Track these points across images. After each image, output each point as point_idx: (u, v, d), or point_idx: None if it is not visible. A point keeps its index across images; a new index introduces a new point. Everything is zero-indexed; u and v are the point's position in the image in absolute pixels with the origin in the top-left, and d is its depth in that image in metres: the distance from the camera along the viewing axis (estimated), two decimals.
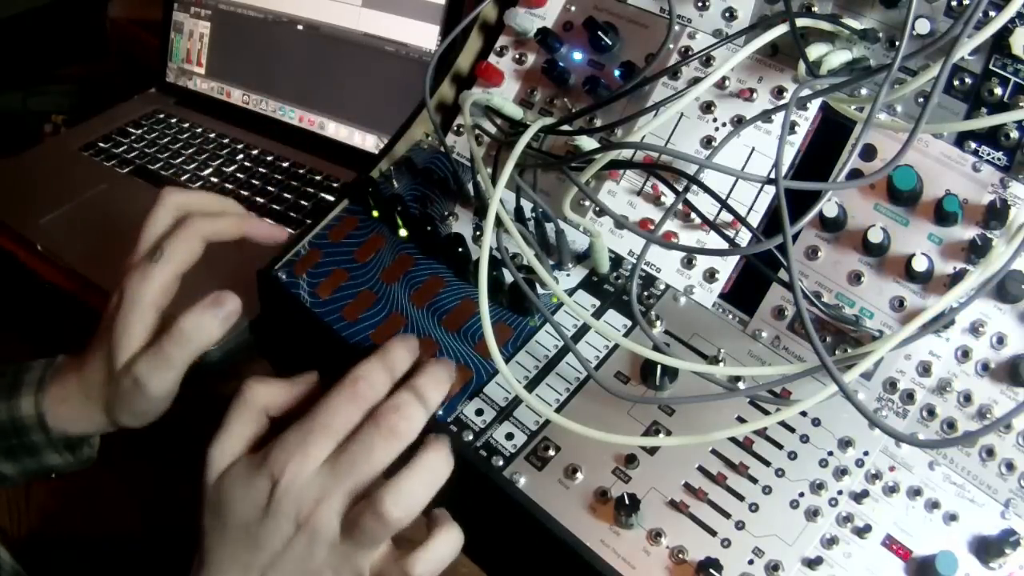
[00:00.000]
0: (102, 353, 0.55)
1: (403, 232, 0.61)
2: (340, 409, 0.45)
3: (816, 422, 0.49)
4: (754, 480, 0.48)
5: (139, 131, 1.04)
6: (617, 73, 0.60)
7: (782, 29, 0.52)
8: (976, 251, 0.48)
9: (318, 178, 0.92)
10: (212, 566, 0.45)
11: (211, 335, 0.53)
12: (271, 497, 0.43)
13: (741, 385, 0.51)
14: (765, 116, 0.55)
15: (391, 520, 0.43)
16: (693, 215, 0.55)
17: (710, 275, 0.56)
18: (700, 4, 0.60)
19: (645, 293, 0.57)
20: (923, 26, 0.51)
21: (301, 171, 0.93)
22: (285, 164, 0.95)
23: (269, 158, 0.96)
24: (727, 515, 0.47)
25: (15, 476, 0.59)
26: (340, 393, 0.46)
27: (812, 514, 0.46)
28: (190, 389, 0.57)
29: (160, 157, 1.00)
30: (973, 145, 0.50)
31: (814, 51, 0.53)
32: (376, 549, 0.45)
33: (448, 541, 0.46)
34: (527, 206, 0.59)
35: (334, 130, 0.98)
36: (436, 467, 0.45)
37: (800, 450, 0.49)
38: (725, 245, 0.53)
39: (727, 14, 0.59)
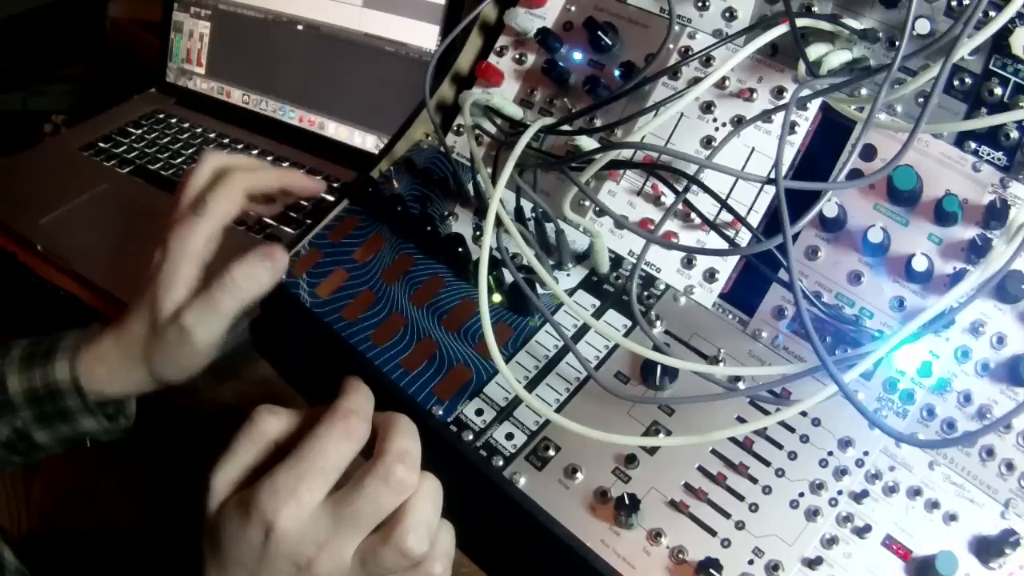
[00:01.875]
0: (145, 308, 0.55)
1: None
2: (331, 448, 0.43)
3: (816, 422, 0.49)
4: (754, 480, 0.48)
5: (139, 131, 1.04)
6: (617, 73, 0.60)
7: (782, 29, 0.52)
8: (976, 251, 0.48)
9: (318, 178, 0.92)
10: None
11: (261, 285, 0.54)
12: (266, 542, 0.41)
13: (741, 385, 0.51)
14: (765, 116, 0.55)
15: (417, 554, 0.42)
16: (693, 215, 0.55)
17: (710, 275, 0.56)
18: (700, 4, 0.60)
19: (645, 293, 0.57)
20: (923, 26, 0.51)
21: (301, 171, 0.93)
22: (285, 164, 0.95)
23: (269, 158, 0.96)
24: (727, 515, 0.47)
25: (50, 444, 0.59)
26: (331, 430, 0.43)
27: (812, 514, 0.46)
28: (190, 389, 0.57)
29: (160, 157, 1.00)
30: (973, 145, 0.50)
31: (814, 51, 0.53)
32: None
33: (427, 496, 0.44)
34: (527, 206, 0.59)
35: (334, 130, 0.98)
36: (436, 492, 0.44)
37: (800, 450, 0.49)
38: (725, 245, 0.53)
39: (727, 14, 0.59)
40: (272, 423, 0.46)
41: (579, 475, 0.50)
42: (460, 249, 0.59)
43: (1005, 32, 0.48)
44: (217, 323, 0.54)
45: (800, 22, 0.52)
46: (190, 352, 0.55)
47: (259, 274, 0.54)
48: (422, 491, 0.43)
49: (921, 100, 0.52)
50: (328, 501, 0.42)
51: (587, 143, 0.58)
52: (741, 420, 0.50)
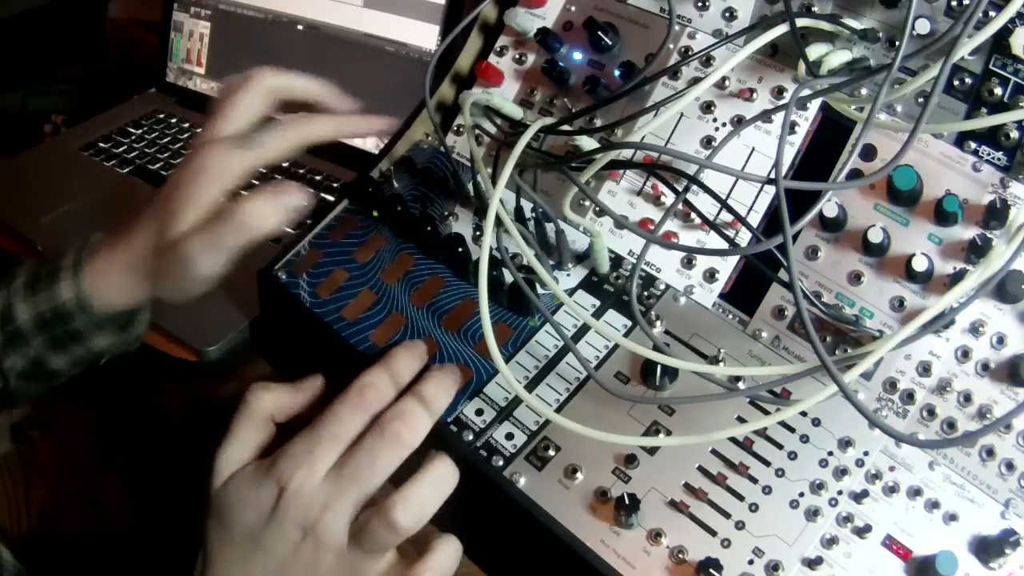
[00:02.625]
0: (152, 225, 0.54)
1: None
2: (347, 418, 0.45)
3: (816, 422, 0.49)
4: (754, 480, 0.48)
5: (139, 131, 1.04)
6: (617, 73, 0.60)
7: (782, 29, 0.52)
8: (976, 251, 0.48)
9: (318, 178, 0.92)
10: (217, 572, 0.45)
11: (267, 223, 0.52)
12: (277, 504, 0.43)
13: (741, 385, 0.51)
14: (765, 116, 0.55)
15: (401, 528, 0.43)
16: (693, 215, 0.55)
17: (710, 275, 0.56)
18: (700, 4, 0.60)
19: (645, 293, 0.57)
20: (923, 26, 0.51)
21: (301, 171, 0.93)
22: (285, 164, 0.95)
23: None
24: (727, 515, 0.47)
25: (66, 368, 0.59)
26: (347, 402, 0.46)
27: (812, 514, 0.46)
28: (190, 389, 0.57)
29: (160, 157, 0.99)
30: (973, 145, 0.50)
31: (814, 51, 0.53)
32: (383, 557, 0.45)
33: (449, 552, 0.46)
34: (527, 206, 0.59)
35: None
36: (444, 478, 0.45)
37: (800, 450, 0.49)
38: (725, 245, 0.53)
39: (727, 14, 0.59)
40: (266, 399, 0.47)
41: (579, 475, 0.50)
42: (460, 249, 0.59)
43: (1005, 32, 0.48)
44: (219, 258, 0.52)
45: (800, 22, 0.52)
46: (189, 279, 0.53)
47: (266, 212, 0.52)
48: (428, 471, 0.44)
49: (921, 100, 0.52)
50: (335, 465, 0.44)
51: (587, 143, 0.58)
52: (741, 420, 0.50)
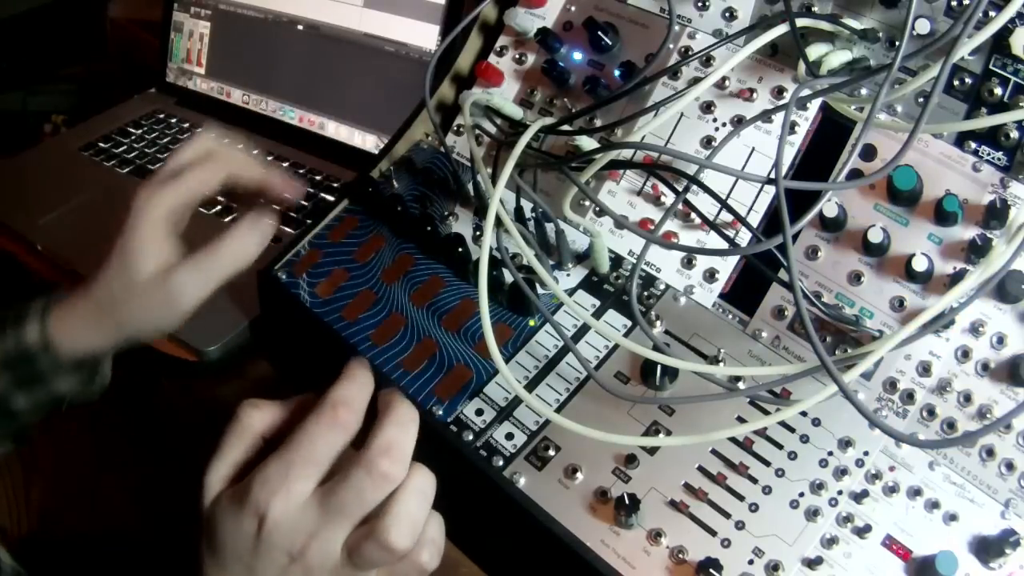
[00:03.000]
0: (117, 268, 0.55)
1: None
2: (320, 438, 0.44)
3: (816, 422, 0.49)
4: (754, 480, 0.48)
5: (139, 131, 1.04)
6: (617, 73, 0.60)
7: (782, 29, 0.52)
8: (976, 251, 0.48)
9: (318, 178, 0.92)
10: None
11: (249, 254, 0.55)
12: (260, 532, 0.42)
13: (741, 385, 0.51)
14: (765, 116, 0.55)
15: (399, 549, 0.42)
16: (693, 215, 0.55)
17: (710, 275, 0.56)
18: (700, 4, 0.60)
19: (645, 293, 0.57)
20: (923, 26, 0.51)
21: (301, 171, 0.93)
22: (285, 164, 0.95)
23: (269, 158, 0.96)
24: (727, 515, 0.47)
25: (27, 410, 0.59)
26: (320, 421, 0.44)
27: (812, 514, 0.46)
28: (190, 389, 0.57)
29: (160, 157, 0.99)
30: (973, 145, 0.50)
31: (814, 51, 0.53)
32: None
33: (414, 490, 0.43)
34: (527, 206, 0.59)
35: (334, 130, 0.98)
36: (425, 486, 0.44)
37: (800, 450, 0.49)
38: (725, 245, 0.53)
39: (727, 14, 0.59)
40: (256, 417, 0.46)
41: (579, 475, 0.50)
42: (460, 249, 0.59)
43: (1005, 32, 0.48)
44: (205, 286, 0.55)
45: (800, 22, 0.52)
46: (172, 312, 0.55)
47: (248, 243, 0.55)
48: (409, 485, 0.43)
49: (921, 100, 0.52)
50: (318, 491, 0.43)
51: (587, 143, 0.58)
52: (741, 420, 0.50)
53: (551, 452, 0.51)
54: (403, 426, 0.45)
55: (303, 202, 0.88)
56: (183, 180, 0.55)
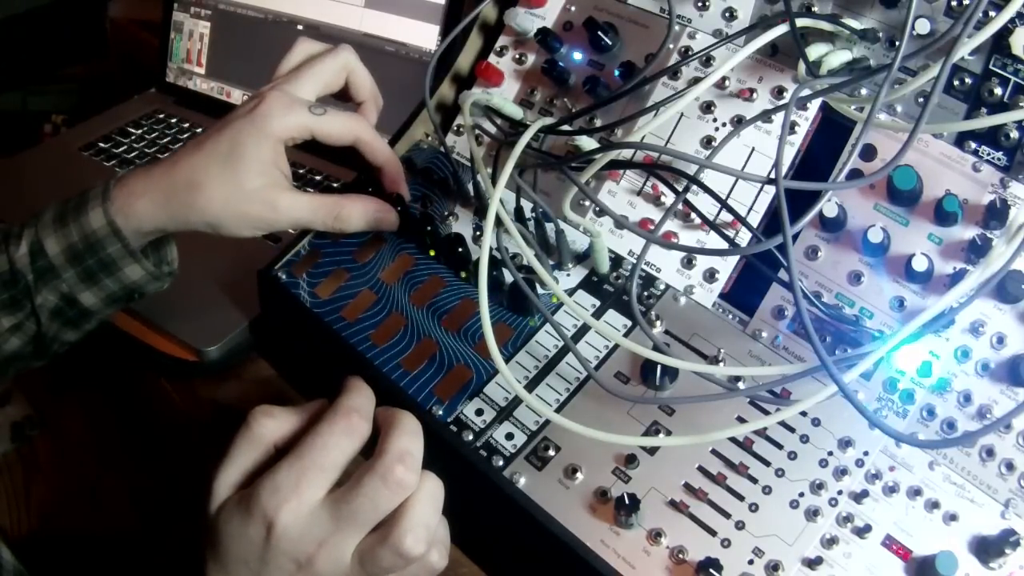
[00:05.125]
0: (219, 165, 0.55)
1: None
2: (335, 445, 0.43)
3: (816, 422, 0.49)
4: (754, 480, 0.48)
5: (139, 131, 1.04)
6: (617, 73, 0.60)
7: (782, 29, 0.52)
8: (976, 251, 0.48)
9: (318, 178, 0.92)
10: None
11: (351, 227, 0.59)
12: (268, 538, 0.42)
13: (741, 385, 0.51)
14: (765, 116, 0.55)
15: (414, 555, 0.42)
16: (693, 215, 0.55)
17: (710, 275, 0.56)
18: (700, 4, 0.60)
19: (645, 293, 0.57)
20: (923, 26, 0.51)
21: (301, 171, 0.93)
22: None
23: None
24: (727, 515, 0.47)
25: (98, 306, 0.59)
26: (334, 428, 0.44)
27: (812, 514, 0.46)
28: (190, 389, 0.57)
29: (160, 157, 0.99)
30: (973, 145, 0.50)
31: (814, 51, 0.53)
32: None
33: (427, 497, 0.43)
34: (527, 206, 0.59)
35: None
36: (437, 493, 0.44)
37: (800, 450, 0.49)
38: (725, 245, 0.53)
39: (727, 14, 0.59)
40: (269, 426, 0.45)
41: (579, 475, 0.50)
42: (460, 249, 0.59)
43: (1005, 32, 0.48)
44: (300, 222, 0.58)
45: (800, 22, 0.52)
46: (253, 224, 0.57)
47: (357, 217, 0.59)
48: (422, 491, 0.43)
49: (921, 100, 0.52)
50: (328, 499, 0.42)
51: (587, 143, 0.58)
52: (741, 420, 0.50)
53: (551, 452, 0.51)
54: (413, 435, 0.44)
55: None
56: (321, 119, 0.57)
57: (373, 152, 0.60)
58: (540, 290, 0.56)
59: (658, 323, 0.55)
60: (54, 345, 0.60)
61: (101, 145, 1.02)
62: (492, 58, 0.68)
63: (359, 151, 0.60)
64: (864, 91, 0.53)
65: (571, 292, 0.58)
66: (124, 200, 0.56)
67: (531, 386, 0.54)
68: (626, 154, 0.56)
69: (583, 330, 0.56)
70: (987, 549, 0.44)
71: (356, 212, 0.59)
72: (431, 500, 0.44)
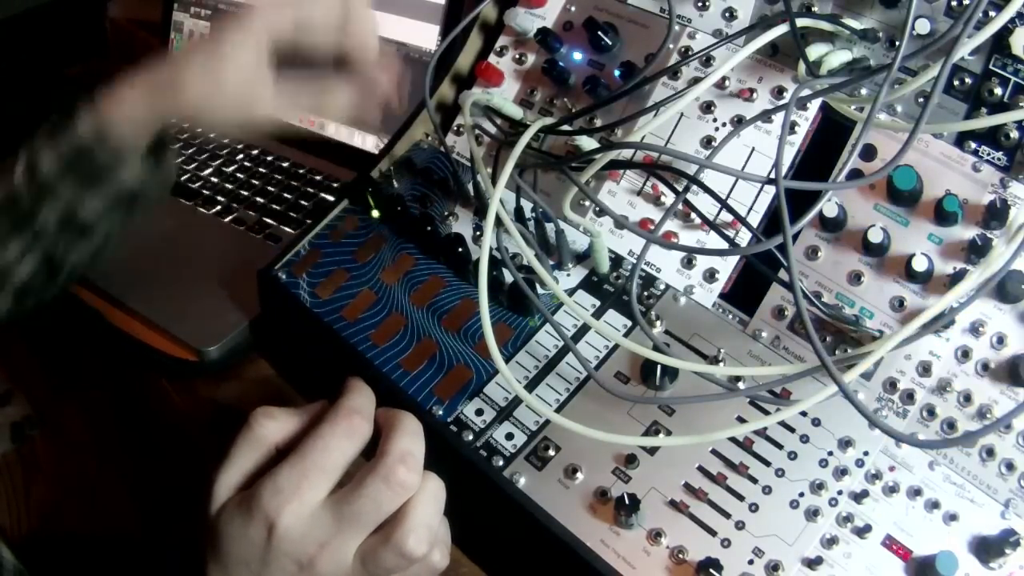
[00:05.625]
0: (200, 64, 0.56)
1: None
2: (336, 447, 0.43)
3: (816, 422, 0.49)
4: (754, 480, 0.48)
5: None
6: (617, 73, 0.60)
7: (782, 29, 0.52)
8: (976, 251, 0.48)
9: (318, 178, 0.92)
10: None
11: (337, 112, 0.60)
12: (269, 539, 0.42)
13: (741, 385, 0.51)
14: (765, 116, 0.55)
15: (417, 556, 0.42)
16: (693, 215, 0.55)
17: (710, 275, 0.56)
18: (700, 4, 0.60)
19: (645, 293, 0.57)
20: (923, 26, 0.51)
21: (301, 171, 0.93)
22: (285, 164, 0.95)
23: (269, 158, 0.96)
24: (727, 515, 0.47)
25: (101, 215, 0.58)
26: (335, 430, 0.44)
27: (812, 514, 0.46)
28: (190, 389, 0.57)
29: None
30: (973, 145, 0.50)
31: (814, 51, 0.53)
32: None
33: (429, 498, 0.43)
34: (527, 206, 0.59)
35: (334, 130, 0.98)
36: (439, 493, 0.44)
37: (800, 450, 0.49)
38: (725, 245, 0.53)
39: (727, 14, 0.59)
40: (270, 427, 0.45)
41: (579, 475, 0.50)
42: (460, 249, 0.59)
43: (1005, 32, 0.48)
44: (284, 108, 0.57)
45: (800, 22, 0.52)
46: (236, 114, 0.57)
47: (343, 101, 0.58)
48: (424, 492, 0.43)
49: (921, 100, 0.52)
50: (330, 500, 0.42)
51: (587, 143, 0.58)
52: (741, 420, 0.50)
53: (551, 452, 0.51)
54: (414, 435, 0.44)
55: (303, 202, 0.88)
56: (306, 24, 0.56)
57: (361, 51, 0.58)
58: (540, 290, 0.56)
59: (658, 323, 0.55)
60: (65, 267, 0.59)
61: None
62: (492, 58, 0.68)
63: (345, 38, 0.58)
64: (864, 91, 0.53)
65: (571, 292, 0.58)
66: (111, 104, 0.56)
67: (531, 386, 0.54)
68: (626, 154, 0.56)
69: (583, 330, 0.56)
70: (987, 549, 0.44)
71: (341, 99, 0.58)
72: (433, 500, 0.44)
